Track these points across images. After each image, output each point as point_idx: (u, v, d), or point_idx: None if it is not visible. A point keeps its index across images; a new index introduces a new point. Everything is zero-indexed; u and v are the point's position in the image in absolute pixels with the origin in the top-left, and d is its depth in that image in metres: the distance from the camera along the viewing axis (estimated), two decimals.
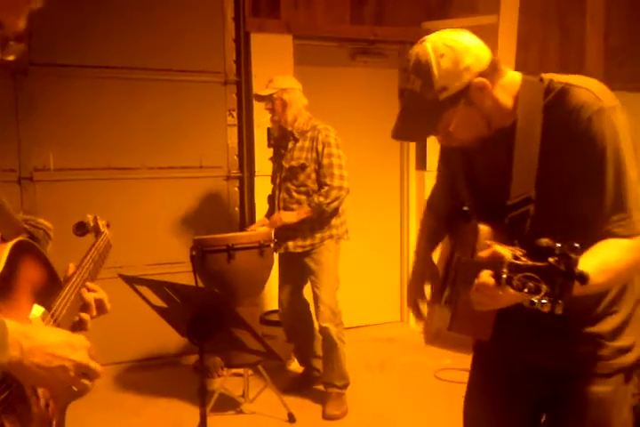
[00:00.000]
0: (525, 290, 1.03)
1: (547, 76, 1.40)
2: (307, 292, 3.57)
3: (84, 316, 1.26)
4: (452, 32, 1.39)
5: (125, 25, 3.85)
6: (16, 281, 1.08)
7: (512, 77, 1.42)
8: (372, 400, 3.52)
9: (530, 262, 1.04)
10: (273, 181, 3.59)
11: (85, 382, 1.02)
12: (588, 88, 1.34)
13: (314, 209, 3.29)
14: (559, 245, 1.02)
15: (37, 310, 1.12)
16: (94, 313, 1.28)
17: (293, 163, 3.37)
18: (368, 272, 4.74)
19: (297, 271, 3.48)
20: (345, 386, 3.42)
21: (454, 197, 1.64)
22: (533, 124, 1.37)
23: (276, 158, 3.55)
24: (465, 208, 1.52)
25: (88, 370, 1.02)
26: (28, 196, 3.68)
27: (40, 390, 1.07)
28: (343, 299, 3.48)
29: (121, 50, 3.86)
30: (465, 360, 4.22)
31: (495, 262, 1.11)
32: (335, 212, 3.38)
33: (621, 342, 1.43)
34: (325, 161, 3.30)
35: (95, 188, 3.84)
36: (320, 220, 3.36)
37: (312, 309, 3.52)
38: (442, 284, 1.64)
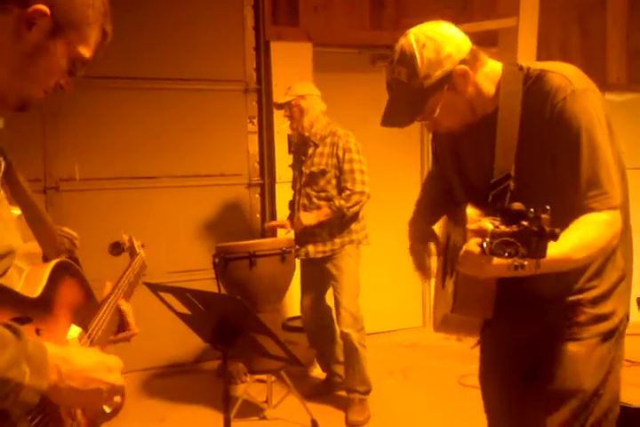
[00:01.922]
0: (505, 254, 1.10)
1: (525, 64, 1.50)
2: (329, 298, 3.58)
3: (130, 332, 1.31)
4: (432, 24, 1.51)
5: (147, 36, 3.91)
6: (56, 302, 1.09)
7: (493, 66, 1.52)
8: (394, 406, 3.51)
9: (507, 228, 1.11)
10: (293, 187, 3.61)
11: (117, 399, 1.04)
12: (561, 73, 1.42)
13: (334, 212, 3.29)
14: (531, 209, 1.09)
15: (74, 330, 1.14)
16: (133, 330, 1.32)
17: (313, 169, 3.38)
18: (390, 277, 4.72)
19: (318, 277, 3.49)
20: (367, 392, 3.41)
21: (445, 184, 1.74)
22: (513, 109, 1.46)
23: (296, 164, 3.57)
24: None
25: (120, 389, 1.03)
26: (53, 205, 3.74)
27: (76, 412, 1.08)
28: (365, 305, 3.47)
29: (144, 60, 3.92)
30: None
31: (481, 234, 1.17)
32: (355, 217, 3.38)
33: (601, 309, 1.51)
34: (347, 167, 3.30)
35: (119, 197, 3.90)
36: (340, 225, 3.36)
37: (334, 314, 3.52)
38: (442, 269, 1.72)
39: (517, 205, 1.11)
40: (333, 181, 3.35)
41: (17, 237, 1.08)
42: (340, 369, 3.57)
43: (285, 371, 3.34)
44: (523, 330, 1.61)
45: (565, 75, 1.42)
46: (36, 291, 1.05)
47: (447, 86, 1.44)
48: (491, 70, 1.51)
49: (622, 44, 4.65)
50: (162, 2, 3.95)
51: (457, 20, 5.06)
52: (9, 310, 0.96)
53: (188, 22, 4.00)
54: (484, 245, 1.12)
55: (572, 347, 1.51)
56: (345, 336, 3.36)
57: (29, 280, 1.07)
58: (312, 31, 4.26)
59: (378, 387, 3.51)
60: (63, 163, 3.78)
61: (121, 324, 1.32)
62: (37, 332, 1.00)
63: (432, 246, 1.81)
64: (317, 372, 3.87)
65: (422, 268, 1.86)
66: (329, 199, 3.34)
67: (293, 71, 4.13)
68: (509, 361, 1.67)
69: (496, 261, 1.15)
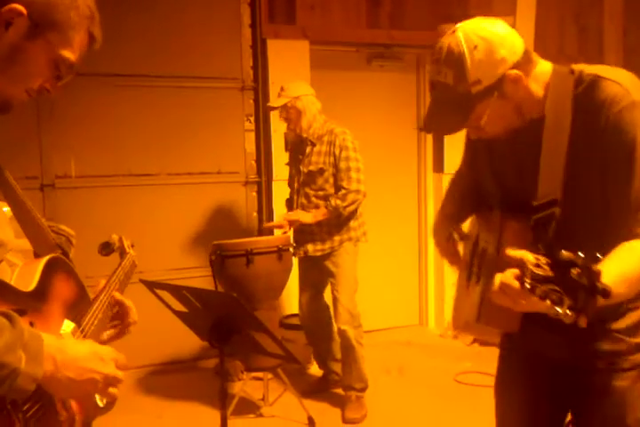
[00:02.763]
0: (548, 301, 1.02)
1: (577, 68, 1.37)
2: (327, 295, 3.58)
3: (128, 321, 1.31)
4: (484, 21, 1.35)
5: (143, 33, 3.90)
6: (48, 297, 1.10)
7: (543, 67, 1.39)
8: (391, 404, 3.52)
9: (551, 274, 1.03)
10: (290, 185, 3.61)
11: (112, 390, 1.04)
12: (617, 81, 1.30)
13: (331, 212, 3.29)
14: (581, 255, 1.00)
15: (68, 325, 1.14)
16: (132, 319, 1.32)
17: (312, 167, 3.38)
18: (386, 275, 4.73)
19: (316, 274, 3.49)
20: (364, 389, 3.42)
21: (476, 186, 1.61)
22: (562, 117, 1.34)
23: (294, 163, 3.57)
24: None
25: (115, 380, 1.03)
26: (50, 203, 3.73)
27: (71, 404, 1.09)
28: (362, 302, 3.48)
29: (140, 58, 3.91)
30: (485, 364, 4.22)
31: (519, 268, 1.09)
32: (353, 214, 3.38)
33: (638, 338, 1.43)
34: (343, 165, 3.30)
35: (116, 194, 3.89)
36: (338, 223, 3.36)
37: (332, 312, 3.53)
38: (468, 268, 1.61)
39: (567, 255, 1.01)
40: (331, 180, 3.35)
41: (7, 232, 1.08)
42: (337, 367, 3.58)
43: (282, 369, 3.34)
44: (550, 349, 1.50)
45: (622, 83, 1.29)
46: (29, 285, 1.05)
47: (497, 93, 1.31)
48: (540, 72, 1.38)
49: (619, 42, 4.65)
50: (158, 0, 3.94)
51: (453, 19, 5.04)
52: (3, 302, 0.97)
53: (184, 20, 3.99)
54: (525, 284, 1.04)
55: (615, 381, 1.42)
56: (342, 333, 3.36)
57: (22, 275, 1.07)
58: (309, 29, 4.26)
59: (374, 384, 3.52)
60: (59, 160, 3.78)
61: (120, 313, 1.32)
62: (31, 324, 1.01)
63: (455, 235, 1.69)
64: (314, 369, 3.88)
65: (447, 249, 1.69)
66: (327, 198, 3.34)
67: (290, 69, 4.13)
68: (532, 379, 1.58)
69: (533, 298, 1.06)
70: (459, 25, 1.35)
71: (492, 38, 1.30)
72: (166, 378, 3.91)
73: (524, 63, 1.33)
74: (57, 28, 1.04)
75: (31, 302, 1.03)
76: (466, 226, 1.70)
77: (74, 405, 1.11)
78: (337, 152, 3.31)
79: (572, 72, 1.37)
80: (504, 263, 1.19)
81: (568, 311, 1.00)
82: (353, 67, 4.59)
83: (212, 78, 4.09)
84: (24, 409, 0.96)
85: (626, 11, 4.62)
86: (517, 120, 1.39)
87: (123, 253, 1.60)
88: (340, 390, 3.52)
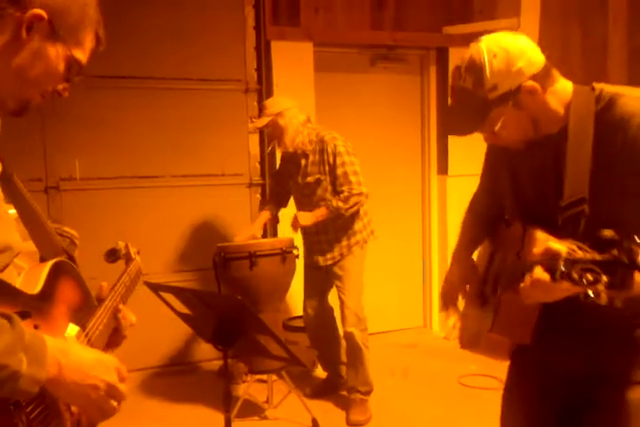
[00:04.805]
0: (584, 281, 1.03)
1: (598, 86, 1.43)
2: (331, 298, 3.58)
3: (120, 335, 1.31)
4: (507, 34, 1.43)
5: (148, 35, 3.91)
6: (54, 299, 1.11)
7: (564, 85, 1.45)
8: (395, 406, 3.51)
9: (589, 255, 1.04)
10: (271, 194, 3.65)
11: (113, 403, 1.04)
12: (637, 97, 1.37)
13: (331, 212, 3.28)
14: (620, 238, 1.03)
15: (72, 329, 1.14)
16: (125, 333, 1.33)
17: (309, 179, 3.36)
18: (391, 278, 4.73)
19: (322, 277, 3.48)
20: (368, 392, 3.41)
21: (496, 201, 1.66)
22: (585, 131, 1.39)
23: (287, 176, 3.52)
24: (505, 217, 1.56)
25: (116, 391, 1.03)
26: (54, 205, 3.74)
27: (73, 407, 1.09)
28: (366, 305, 3.47)
29: (145, 60, 3.92)
30: (489, 366, 4.21)
31: (550, 258, 1.11)
32: (356, 216, 3.37)
33: None
34: (340, 171, 3.27)
35: (120, 196, 3.90)
36: (343, 227, 3.35)
37: (337, 314, 3.52)
38: (481, 286, 1.64)
39: (609, 233, 1.04)
40: (330, 188, 3.33)
41: (15, 235, 1.08)
42: (342, 369, 3.57)
43: (286, 371, 3.34)
44: (564, 358, 1.49)
45: None
46: (35, 288, 1.05)
47: (512, 101, 1.39)
48: (562, 89, 1.43)
49: (624, 45, 4.64)
50: (162, 1, 3.95)
51: (457, 21, 5.06)
52: (8, 304, 0.97)
53: (188, 22, 4.00)
54: (559, 271, 1.05)
55: (629, 392, 1.40)
56: (348, 336, 3.35)
57: (28, 278, 1.08)
58: (313, 31, 4.26)
59: (379, 387, 3.51)
60: (63, 162, 3.78)
61: (115, 330, 1.32)
62: (36, 327, 1.01)
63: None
64: (318, 372, 3.87)
65: (446, 313, 1.75)
66: (328, 202, 3.32)
67: (294, 71, 4.13)
68: (542, 390, 1.57)
69: (565, 285, 1.07)
70: (484, 37, 1.44)
71: (512, 49, 1.38)
72: (170, 380, 3.91)
73: (543, 77, 1.40)
74: (72, 31, 1.07)
75: (36, 305, 1.03)
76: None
77: (76, 409, 1.11)
78: (331, 160, 3.28)
79: (593, 89, 1.42)
80: (525, 266, 1.21)
81: (603, 291, 1.01)
82: (356, 68, 4.59)
83: (215, 80, 4.09)
84: (27, 411, 0.95)
85: (630, 14, 4.61)
86: (532, 132, 1.44)
87: (128, 260, 1.61)
88: (344, 393, 3.52)
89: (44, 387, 0.94)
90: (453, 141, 4.59)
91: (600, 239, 1.04)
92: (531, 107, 1.40)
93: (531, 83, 1.37)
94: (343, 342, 3.46)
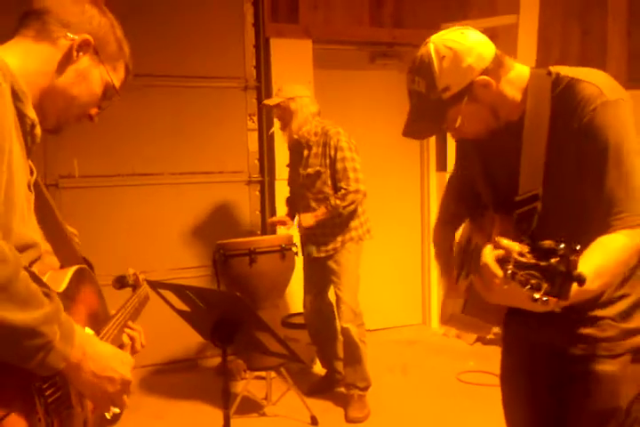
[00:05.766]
0: (528, 286, 1.06)
1: (554, 69, 1.43)
2: (331, 295, 3.59)
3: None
4: (453, 32, 1.43)
5: (146, 33, 3.89)
6: (74, 302, 1.15)
7: (520, 71, 1.45)
8: (394, 403, 3.52)
9: (533, 260, 1.08)
10: (290, 185, 3.62)
11: (125, 398, 1.09)
12: (593, 82, 1.36)
13: (330, 211, 3.29)
14: (562, 246, 1.06)
15: (88, 331, 1.18)
16: (128, 353, 1.35)
17: (309, 170, 3.38)
18: (389, 275, 4.73)
19: (320, 274, 3.50)
20: (366, 388, 3.42)
21: (469, 185, 1.69)
22: (541, 118, 1.40)
23: (293, 166, 3.57)
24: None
25: (128, 387, 1.09)
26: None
27: (85, 403, 1.13)
28: (364, 301, 3.48)
29: (142, 57, 3.86)
30: (488, 363, 4.22)
31: (504, 257, 1.14)
32: (354, 214, 3.38)
33: (630, 324, 1.47)
34: (339, 166, 3.29)
35: (120, 194, 3.90)
36: (340, 223, 3.37)
37: (335, 310, 3.53)
38: (459, 267, 1.68)
39: (549, 244, 1.07)
40: (329, 182, 3.35)
41: (38, 235, 1.13)
42: (340, 366, 3.58)
43: (285, 368, 3.35)
44: (540, 337, 1.56)
45: (597, 84, 1.35)
46: (59, 287, 1.10)
47: (467, 97, 1.39)
48: (516, 76, 1.44)
49: (623, 43, 4.64)
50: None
51: (456, 18, 5.04)
52: None
53: (187, 19, 3.99)
54: (508, 271, 1.08)
55: (606, 366, 1.46)
56: (345, 331, 3.37)
57: (53, 278, 1.12)
58: (312, 28, 4.26)
59: (377, 383, 3.52)
60: (63, 160, 3.78)
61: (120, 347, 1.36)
62: None
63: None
64: (317, 368, 3.88)
65: (449, 267, 1.74)
66: (327, 200, 3.34)
67: (293, 68, 4.13)
68: (531, 368, 1.62)
69: (513, 285, 1.10)
70: (432, 37, 1.45)
71: (459, 48, 1.38)
72: (169, 377, 3.92)
73: (495, 69, 1.40)
74: (110, 59, 1.20)
75: (61, 302, 1.06)
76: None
77: (89, 404, 1.15)
78: (332, 153, 3.30)
79: (550, 73, 1.43)
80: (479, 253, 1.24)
81: (544, 297, 1.05)
82: (355, 66, 4.59)
83: (214, 78, 4.09)
84: (47, 394, 0.99)
85: (630, 12, 4.61)
86: (495, 122, 1.45)
87: (136, 287, 1.65)
88: (342, 389, 3.53)
89: (65, 372, 0.98)
90: (452, 138, 4.58)
91: (541, 248, 1.07)
92: (487, 99, 1.41)
93: (482, 77, 1.38)
94: (341, 338, 3.47)
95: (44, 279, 1.08)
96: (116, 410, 1.17)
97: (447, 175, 5.17)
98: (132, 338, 1.37)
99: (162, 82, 3.96)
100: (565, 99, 1.38)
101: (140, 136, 3.94)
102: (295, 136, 3.38)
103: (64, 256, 1.23)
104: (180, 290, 2.03)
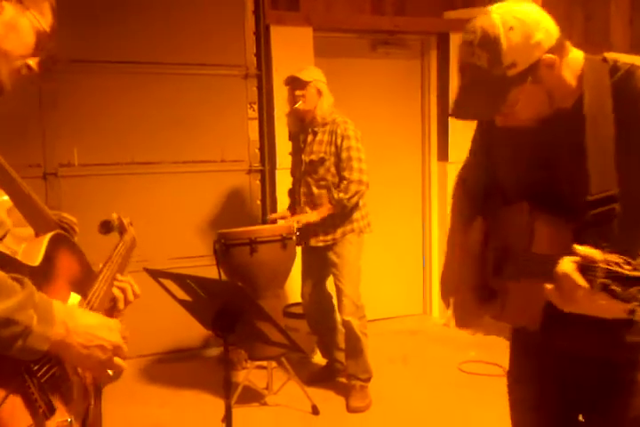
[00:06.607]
0: (623, 298, 0.99)
1: (610, 56, 1.35)
2: (329, 285, 3.58)
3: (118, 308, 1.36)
4: (518, 3, 1.31)
5: (146, 20, 3.87)
6: (54, 271, 1.14)
7: (576, 55, 1.36)
8: (395, 393, 3.52)
9: (627, 269, 1.00)
10: (293, 174, 3.59)
11: (118, 361, 1.09)
12: None
13: (335, 206, 3.28)
14: None
15: (74, 297, 1.19)
16: (122, 306, 1.36)
17: (313, 157, 3.36)
18: (390, 265, 4.73)
19: (319, 264, 3.48)
20: (368, 379, 3.42)
21: (490, 179, 1.57)
22: (603, 108, 1.30)
23: (296, 152, 3.55)
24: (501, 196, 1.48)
25: (122, 351, 1.08)
26: (52, 191, 3.72)
27: (79, 370, 1.14)
28: (366, 292, 3.47)
29: (142, 45, 3.88)
30: (489, 353, 4.22)
31: (586, 265, 1.05)
32: (356, 205, 3.36)
33: None
34: (344, 154, 3.28)
35: (119, 182, 3.88)
36: (341, 214, 3.34)
37: (335, 301, 3.52)
38: (480, 269, 1.57)
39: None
40: (332, 169, 3.33)
41: (3, 214, 1.12)
42: (340, 356, 3.58)
43: (286, 357, 3.35)
44: (575, 342, 1.44)
45: None
46: (35, 260, 1.09)
47: (531, 77, 1.27)
48: (573, 60, 1.34)
49: (626, 29, 4.60)
50: None
51: (458, 6, 4.98)
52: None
53: (187, 6, 3.95)
54: (599, 281, 1.01)
55: None
56: (346, 324, 3.36)
57: (28, 252, 1.11)
58: (312, 16, 4.21)
59: (378, 373, 3.52)
60: (62, 148, 3.76)
61: (112, 301, 1.36)
62: None
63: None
64: (318, 358, 3.88)
65: (447, 301, 1.66)
66: (329, 188, 3.32)
67: (294, 56, 4.09)
68: (545, 374, 1.53)
69: (602, 297, 1.02)
70: (492, 7, 1.31)
71: (529, 21, 1.26)
72: (170, 367, 3.92)
73: (559, 49, 1.30)
74: (34, 1, 1.10)
75: (38, 276, 1.06)
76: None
77: (85, 371, 1.15)
78: (339, 142, 3.29)
79: (605, 60, 1.34)
80: (540, 260, 1.17)
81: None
82: (357, 54, 4.55)
83: (214, 66, 4.05)
84: (38, 375, 0.99)
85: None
86: (548, 108, 1.34)
87: (122, 232, 1.64)
88: (344, 379, 3.53)
89: (52, 350, 0.98)
90: (454, 128, 4.57)
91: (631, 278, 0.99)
92: (548, 81, 1.30)
93: (549, 56, 1.27)
94: (341, 328, 3.47)
95: (20, 252, 1.08)
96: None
97: (449, 165, 5.13)
98: (122, 290, 1.36)
99: (161, 70, 3.93)
100: (627, 86, 1.29)
101: (139, 124, 3.92)
102: (319, 118, 3.34)
103: (38, 224, 1.22)
104: (181, 279, 2.02)
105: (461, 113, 1.35)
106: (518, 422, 1.63)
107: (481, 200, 1.62)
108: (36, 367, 0.99)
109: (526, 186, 1.45)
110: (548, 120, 1.36)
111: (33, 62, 1.12)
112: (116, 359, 1.08)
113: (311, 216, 3.33)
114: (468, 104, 1.34)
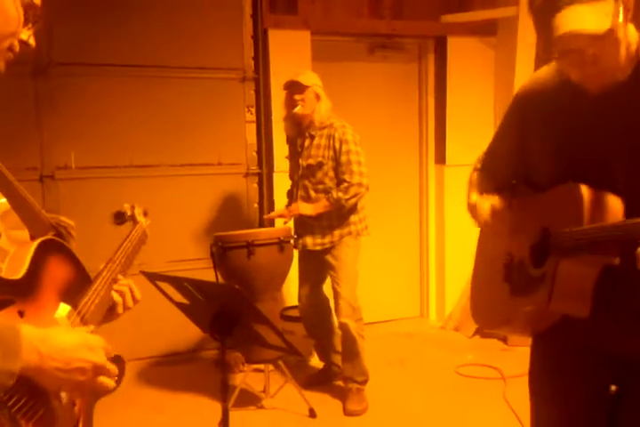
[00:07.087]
0: None
1: None
2: (326, 288, 3.58)
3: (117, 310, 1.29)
4: None
5: (144, 24, 3.87)
6: (41, 281, 1.08)
7: (632, 29, 1.32)
8: (392, 396, 3.52)
9: None
10: (291, 177, 3.60)
11: (104, 380, 1.02)
12: None
13: (332, 204, 3.28)
14: None
15: (63, 308, 1.12)
16: (120, 311, 1.30)
17: (310, 161, 3.36)
18: (388, 267, 4.73)
19: (316, 267, 3.48)
20: (365, 382, 3.42)
21: (519, 166, 1.53)
22: None
23: (292, 156, 3.55)
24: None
25: (105, 370, 1.01)
26: (50, 194, 3.72)
27: (63, 393, 1.07)
28: (363, 294, 3.48)
29: (140, 48, 3.88)
30: (486, 356, 4.22)
31: None
32: (354, 208, 3.37)
33: None
34: (344, 158, 3.28)
35: (116, 185, 3.88)
36: (339, 217, 3.35)
37: (332, 304, 3.52)
38: (507, 262, 1.51)
39: None
40: (330, 173, 3.33)
41: None
42: (337, 359, 3.58)
43: (283, 360, 3.35)
44: (611, 339, 1.39)
45: None
46: (19, 272, 1.03)
47: (623, 16, 1.22)
48: (633, 31, 1.30)
49: None
50: None
51: (455, 10, 4.99)
52: None
53: (185, 10, 3.96)
54: None
55: None
56: (343, 326, 3.36)
57: (12, 262, 1.06)
58: (310, 19, 4.23)
59: (375, 376, 3.52)
60: (59, 151, 3.76)
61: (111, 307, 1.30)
62: (20, 314, 0.99)
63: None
64: (315, 361, 3.87)
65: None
66: (326, 191, 3.33)
67: (291, 60, 4.10)
68: (577, 373, 1.49)
69: None
70: None
71: None
72: (167, 370, 3.92)
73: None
74: None
75: (20, 290, 1.01)
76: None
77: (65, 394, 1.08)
78: (337, 146, 3.29)
79: None
80: (606, 229, 1.16)
81: None
82: (354, 57, 4.56)
83: (212, 69, 4.06)
84: (9, 405, 0.93)
85: (637, 2, 4.59)
86: (617, 70, 1.31)
87: (134, 223, 1.59)
88: (341, 383, 3.53)
89: (26, 377, 0.92)
90: (451, 131, 4.58)
91: None
92: (626, 35, 1.27)
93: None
94: (338, 331, 3.47)
95: (4, 266, 1.03)
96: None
97: (446, 168, 5.14)
98: (121, 294, 1.29)
99: (159, 73, 3.93)
100: None
101: (137, 127, 3.92)
102: (317, 118, 3.34)
103: (34, 227, 1.18)
104: (178, 282, 2.02)
105: (575, 23, 1.24)
106: (551, 416, 1.58)
107: (507, 186, 1.57)
108: (5, 397, 0.92)
109: (576, 168, 1.39)
110: (605, 94, 1.33)
111: (26, 36, 1.07)
112: (102, 379, 1.02)
113: (307, 209, 3.32)
114: (580, 17, 1.24)
